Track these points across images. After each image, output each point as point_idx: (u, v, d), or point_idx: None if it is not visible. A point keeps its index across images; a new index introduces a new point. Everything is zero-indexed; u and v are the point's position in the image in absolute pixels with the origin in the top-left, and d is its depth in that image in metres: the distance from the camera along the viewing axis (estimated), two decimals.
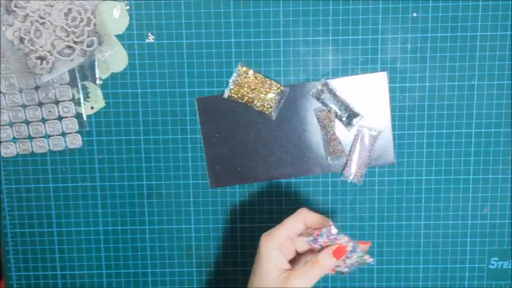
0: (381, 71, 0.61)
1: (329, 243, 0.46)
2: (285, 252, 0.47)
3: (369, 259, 0.47)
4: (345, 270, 0.48)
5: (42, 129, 0.62)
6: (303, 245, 0.49)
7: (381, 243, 0.64)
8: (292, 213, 0.48)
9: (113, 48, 0.60)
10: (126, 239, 0.64)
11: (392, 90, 0.61)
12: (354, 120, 0.61)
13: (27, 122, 0.62)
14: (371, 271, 0.64)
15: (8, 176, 0.63)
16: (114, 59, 0.61)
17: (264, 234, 0.47)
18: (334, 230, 0.45)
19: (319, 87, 0.60)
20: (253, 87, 0.60)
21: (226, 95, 0.60)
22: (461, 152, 0.62)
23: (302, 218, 0.47)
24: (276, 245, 0.46)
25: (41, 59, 0.57)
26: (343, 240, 0.45)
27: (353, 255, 0.46)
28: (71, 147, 0.62)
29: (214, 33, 0.60)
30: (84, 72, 0.60)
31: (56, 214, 0.64)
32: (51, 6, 0.56)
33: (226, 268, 0.64)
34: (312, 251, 0.49)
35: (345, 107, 0.61)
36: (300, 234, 0.47)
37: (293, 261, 0.49)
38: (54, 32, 0.57)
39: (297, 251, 0.50)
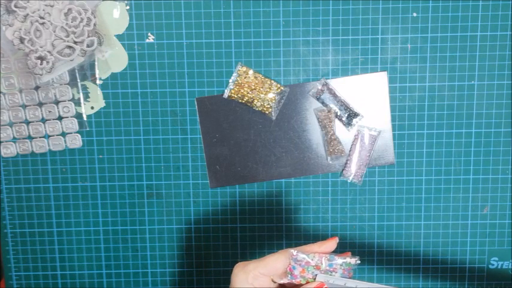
0: (381, 71, 0.61)
1: (306, 271, 0.44)
2: (260, 284, 0.44)
3: (353, 260, 0.44)
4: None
5: (42, 129, 0.62)
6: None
7: (381, 243, 0.64)
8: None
9: (113, 48, 0.60)
10: (126, 239, 0.64)
11: (392, 90, 0.61)
12: (354, 120, 0.61)
13: (27, 122, 0.62)
14: (371, 271, 0.64)
15: (8, 176, 0.63)
16: (114, 59, 0.61)
17: (238, 264, 0.44)
18: (300, 256, 0.43)
19: (319, 87, 0.60)
20: (253, 87, 0.60)
21: (226, 95, 0.60)
22: (461, 152, 0.62)
23: (283, 259, 0.44)
24: (248, 279, 0.43)
25: (41, 59, 0.57)
26: (316, 259, 0.44)
27: (336, 267, 0.44)
28: (71, 147, 0.62)
29: (214, 33, 0.60)
30: (84, 72, 0.60)
31: (56, 214, 0.64)
32: (51, 6, 0.56)
33: (226, 268, 0.64)
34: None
35: (345, 107, 0.61)
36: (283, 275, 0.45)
37: None
38: (54, 32, 0.57)
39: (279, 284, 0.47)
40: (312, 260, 0.44)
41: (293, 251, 0.43)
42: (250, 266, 0.44)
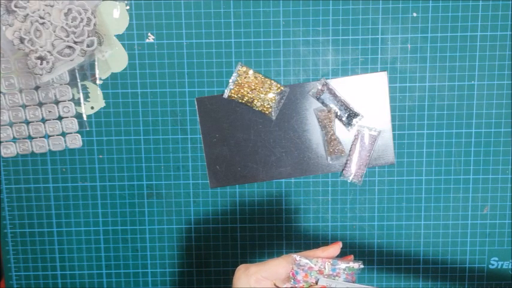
0: (381, 71, 0.61)
1: (309, 276, 0.44)
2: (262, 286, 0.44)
3: (357, 265, 0.44)
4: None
5: (42, 129, 0.62)
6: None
7: (381, 243, 0.64)
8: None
9: (113, 48, 0.60)
10: (126, 239, 0.64)
11: (392, 90, 0.61)
12: (354, 120, 0.61)
13: (27, 122, 0.62)
14: (371, 271, 0.64)
15: (8, 176, 0.63)
16: (114, 59, 0.61)
17: (240, 267, 0.45)
18: (303, 261, 0.43)
19: (319, 87, 0.60)
20: (253, 87, 0.60)
21: (226, 95, 0.60)
22: (461, 152, 0.62)
23: (285, 264, 0.44)
24: (251, 282, 0.43)
25: (41, 59, 0.57)
26: (319, 263, 0.44)
27: (339, 271, 0.44)
28: (71, 147, 0.62)
29: (214, 33, 0.60)
30: (84, 72, 0.60)
31: (56, 214, 0.64)
32: (51, 6, 0.56)
33: (226, 268, 0.64)
34: None
35: (345, 107, 0.61)
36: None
37: None
38: (54, 32, 0.57)
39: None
40: (315, 265, 0.44)
41: (296, 257, 0.44)
42: (252, 269, 0.44)
